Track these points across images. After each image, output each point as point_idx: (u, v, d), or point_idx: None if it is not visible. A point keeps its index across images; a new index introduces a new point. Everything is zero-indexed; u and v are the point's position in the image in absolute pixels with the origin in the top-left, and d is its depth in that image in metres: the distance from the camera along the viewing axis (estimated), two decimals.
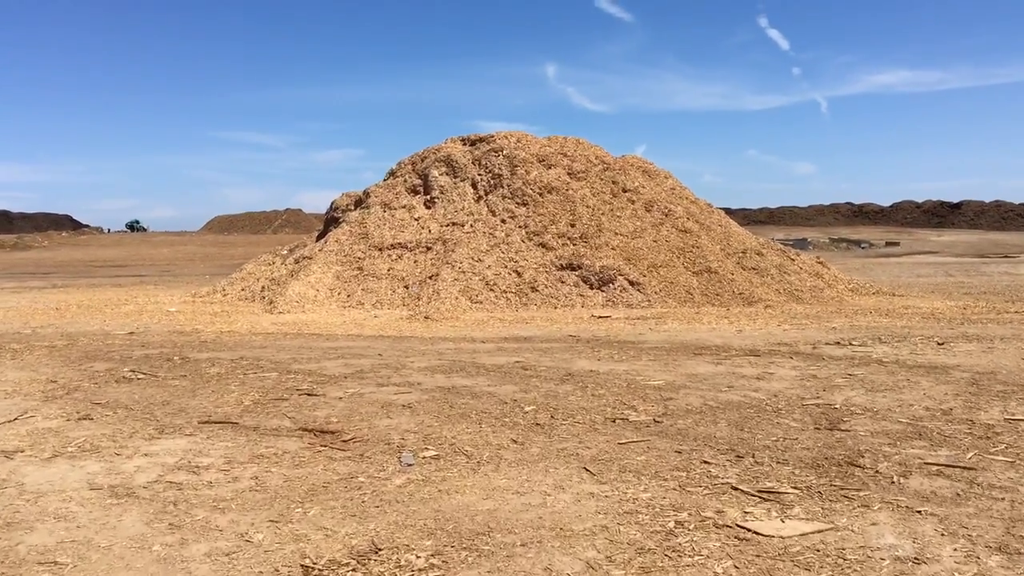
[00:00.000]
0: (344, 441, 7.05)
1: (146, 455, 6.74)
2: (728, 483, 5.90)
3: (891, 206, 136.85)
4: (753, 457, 6.54)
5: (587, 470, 6.22)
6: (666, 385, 9.55)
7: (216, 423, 7.82)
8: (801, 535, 4.93)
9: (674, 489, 5.77)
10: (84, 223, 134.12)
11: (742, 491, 5.73)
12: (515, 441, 7.06)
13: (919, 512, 5.27)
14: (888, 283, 31.47)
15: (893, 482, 5.89)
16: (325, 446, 6.93)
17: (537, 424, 7.68)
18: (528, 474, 6.13)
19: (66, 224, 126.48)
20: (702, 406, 8.40)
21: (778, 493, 5.68)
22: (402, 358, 11.98)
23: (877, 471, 6.16)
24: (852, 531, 4.97)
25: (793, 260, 27.22)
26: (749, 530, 5.00)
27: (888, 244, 65.70)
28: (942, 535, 4.88)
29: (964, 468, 6.22)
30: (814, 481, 5.94)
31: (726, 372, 10.55)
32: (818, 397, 8.85)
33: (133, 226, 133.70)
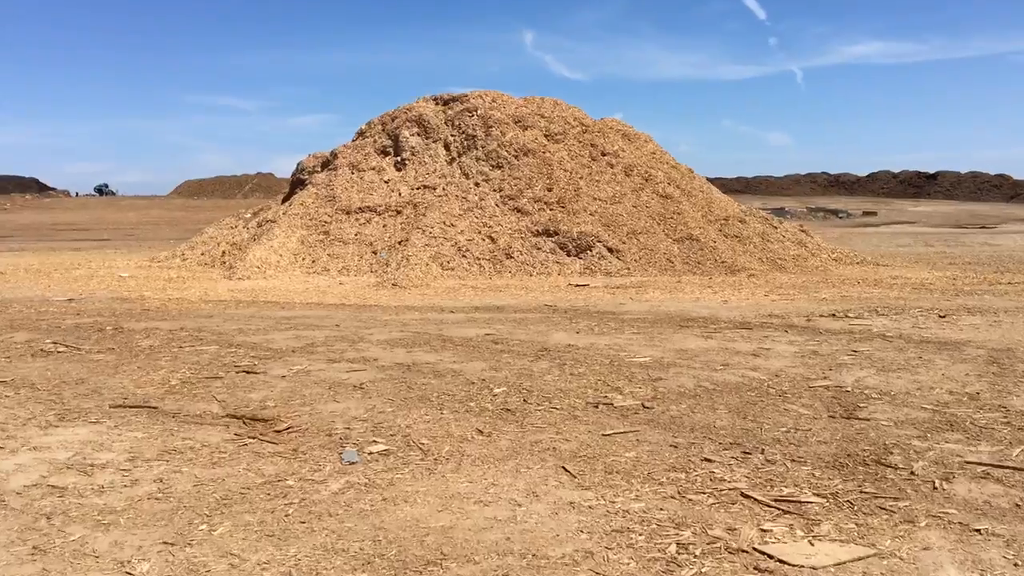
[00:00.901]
0: (277, 431, 5.91)
1: (35, 448, 5.56)
2: (737, 488, 4.82)
3: (867, 176, 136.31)
4: (763, 453, 5.48)
5: (566, 470, 5.12)
6: (653, 363, 8.47)
7: (131, 407, 6.64)
8: (837, 564, 3.86)
9: (672, 497, 4.69)
10: (51, 186, 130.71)
11: (755, 500, 4.65)
12: (481, 432, 5.95)
13: (978, 531, 4.22)
14: (870, 253, 30.59)
15: (935, 488, 4.84)
16: (254, 437, 5.78)
17: (507, 410, 6.57)
18: (495, 476, 5.03)
19: (32, 187, 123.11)
20: (696, 388, 7.32)
21: (799, 503, 4.61)
22: (361, 329, 10.81)
23: (912, 472, 5.11)
24: (901, 559, 3.90)
25: (776, 228, 26.24)
26: (771, 557, 3.92)
27: (866, 214, 65.03)
28: (1016, 566, 3.84)
29: (1015, 469, 5.18)
30: (840, 486, 4.87)
31: (718, 347, 9.48)
32: (825, 377, 7.80)
33: (102, 190, 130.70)
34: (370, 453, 5.45)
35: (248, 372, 7.94)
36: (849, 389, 7.30)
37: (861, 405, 6.76)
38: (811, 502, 4.61)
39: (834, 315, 12.73)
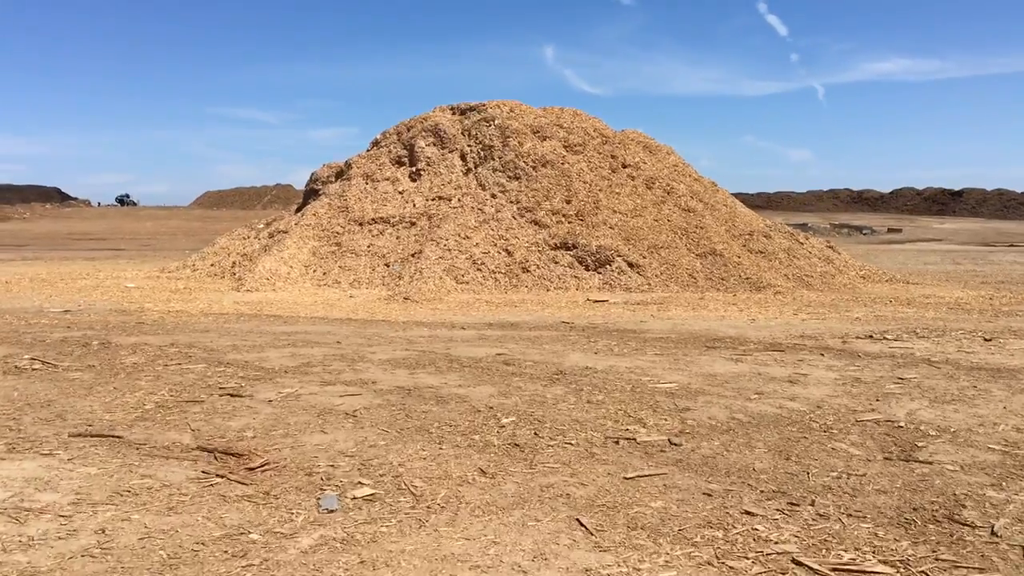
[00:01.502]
0: (250, 469, 5.13)
1: None
2: (787, 552, 4.00)
3: (891, 193, 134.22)
4: (813, 505, 4.65)
5: (581, 524, 4.32)
6: (680, 389, 7.64)
7: (93, 436, 5.89)
8: None
9: (709, 563, 3.87)
10: (73, 196, 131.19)
11: (811, 569, 3.83)
12: (484, 472, 5.15)
13: None
14: (898, 270, 29.57)
15: None
16: (222, 476, 5.01)
17: (515, 445, 5.77)
18: (496, 530, 4.23)
19: (54, 197, 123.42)
20: (729, 421, 6.49)
21: (866, 574, 3.79)
22: (363, 347, 10.05)
23: (994, 533, 4.27)
24: None
25: (802, 244, 25.30)
26: None
27: (890, 231, 63.74)
28: None
29: None
30: (909, 551, 4.04)
31: (750, 372, 8.64)
32: (873, 409, 6.95)
33: (123, 200, 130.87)
34: (353, 498, 4.66)
35: (233, 395, 7.18)
36: (902, 424, 6.45)
37: (919, 444, 5.91)
38: (880, 573, 3.78)
39: (871, 336, 11.85)
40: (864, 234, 58.17)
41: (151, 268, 27.01)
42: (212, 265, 24.35)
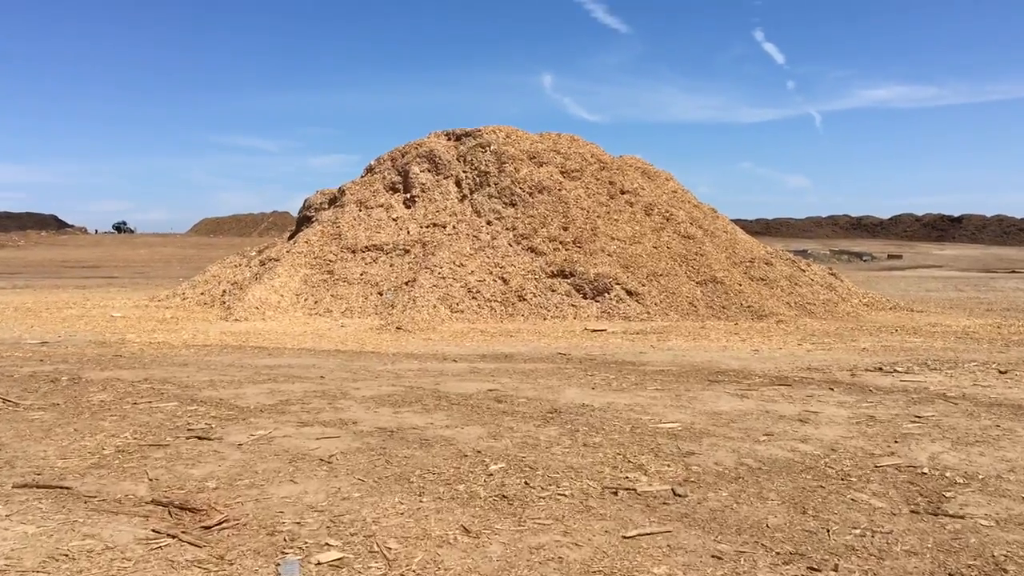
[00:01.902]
0: (207, 527, 4.60)
1: None
2: None
3: (890, 219, 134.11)
4: (836, 571, 4.12)
5: None
6: (683, 430, 7.12)
7: (40, 487, 5.36)
8: None
9: None
10: (70, 223, 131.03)
11: None
12: (467, 531, 4.62)
13: None
14: (900, 297, 29.08)
15: None
16: (175, 536, 4.48)
17: (503, 496, 5.24)
18: None
19: (51, 224, 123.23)
20: (737, 467, 5.96)
21: None
22: (348, 383, 9.52)
23: None
24: None
25: (804, 271, 24.84)
26: None
27: (891, 257, 63.36)
28: None
29: None
30: None
31: (757, 410, 8.12)
32: (892, 452, 6.43)
33: (120, 227, 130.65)
34: (317, 564, 4.12)
35: (201, 438, 6.65)
36: (926, 470, 5.93)
37: (947, 494, 5.39)
38: None
39: (881, 369, 11.33)
40: (864, 260, 57.76)
41: (141, 296, 26.49)
42: (202, 294, 23.83)
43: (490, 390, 9.07)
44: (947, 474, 5.84)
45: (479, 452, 6.26)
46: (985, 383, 10.12)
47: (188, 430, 6.92)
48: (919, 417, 7.82)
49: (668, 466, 5.94)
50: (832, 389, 9.53)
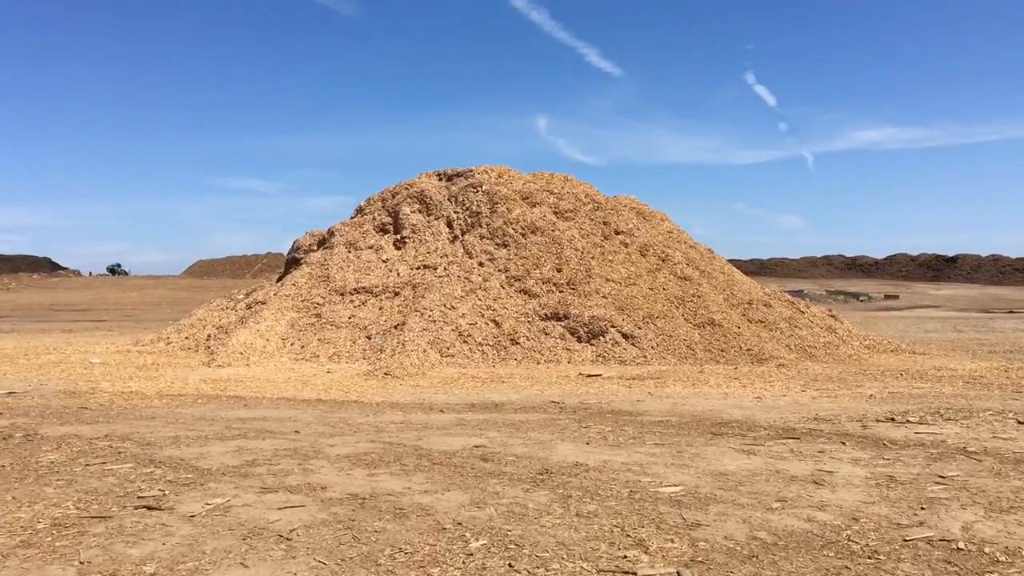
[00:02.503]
0: None
1: None
2: None
3: (885, 259, 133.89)
4: None
5: None
6: (687, 495, 6.42)
7: None
8: None
9: None
10: (63, 266, 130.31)
11: None
12: None
13: None
14: (900, 339, 28.48)
15: None
16: None
17: None
18: None
19: (45, 266, 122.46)
20: (750, 541, 5.27)
21: None
22: (323, 438, 8.82)
23: None
24: None
25: (803, 313, 24.25)
26: None
27: (887, 297, 62.82)
28: None
29: None
30: None
31: (765, 469, 7.43)
32: (921, 522, 5.74)
33: (114, 269, 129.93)
34: None
35: (150, 508, 5.94)
36: (961, 545, 5.24)
37: (988, 574, 4.70)
38: None
39: (893, 419, 10.66)
40: (861, 301, 57.26)
41: (125, 341, 25.80)
42: (186, 338, 23.16)
43: (476, 446, 8.37)
44: (986, 549, 5.15)
45: (459, 524, 5.56)
46: (1005, 435, 9.46)
47: (138, 498, 6.21)
48: (943, 477, 7.14)
49: (672, 541, 5.24)
50: (844, 443, 8.85)
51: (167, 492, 6.38)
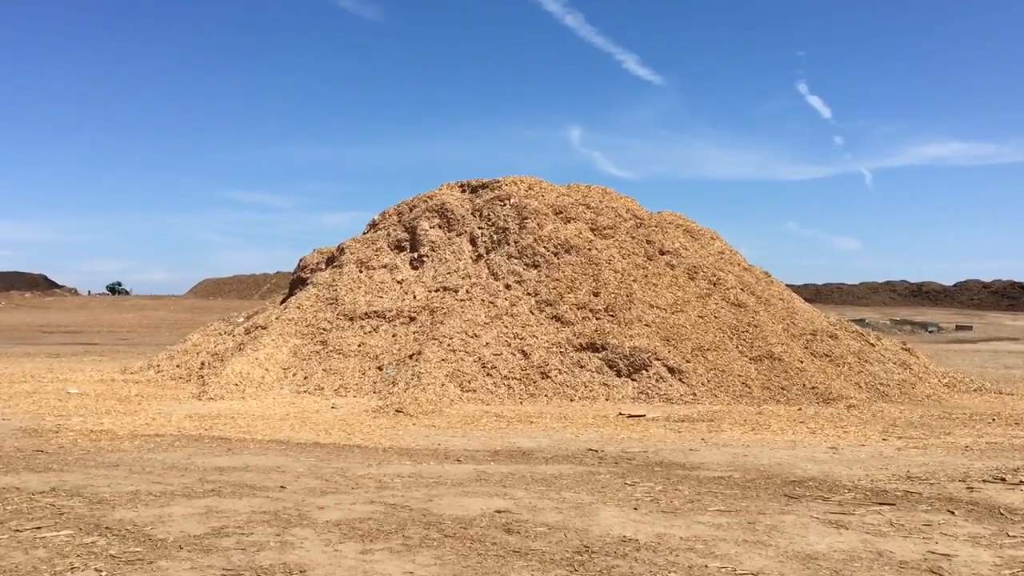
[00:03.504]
0: None
1: None
2: None
3: (955, 285, 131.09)
4: None
5: None
6: None
7: None
8: None
9: None
10: (60, 284, 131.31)
11: None
12: None
13: None
14: (981, 376, 27.10)
15: None
16: None
17: None
18: None
19: (41, 284, 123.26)
20: None
21: None
22: (313, 497, 7.83)
23: None
24: None
25: (874, 346, 23.00)
26: None
27: (959, 328, 61.07)
28: None
29: None
30: None
31: (864, 550, 6.33)
32: None
33: (115, 288, 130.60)
34: None
35: None
36: None
37: None
38: None
39: (1003, 479, 9.50)
40: (930, 332, 55.63)
41: (113, 368, 25.10)
42: (178, 366, 22.40)
43: (499, 511, 7.34)
44: None
45: None
46: None
47: None
48: None
49: None
50: (953, 512, 7.72)
51: (103, 574, 5.41)
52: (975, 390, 22.33)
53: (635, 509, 7.58)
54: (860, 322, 49.11)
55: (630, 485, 8.83)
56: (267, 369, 19.57)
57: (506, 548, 6.17)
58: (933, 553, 6.28)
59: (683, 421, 14.95)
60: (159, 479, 8.53)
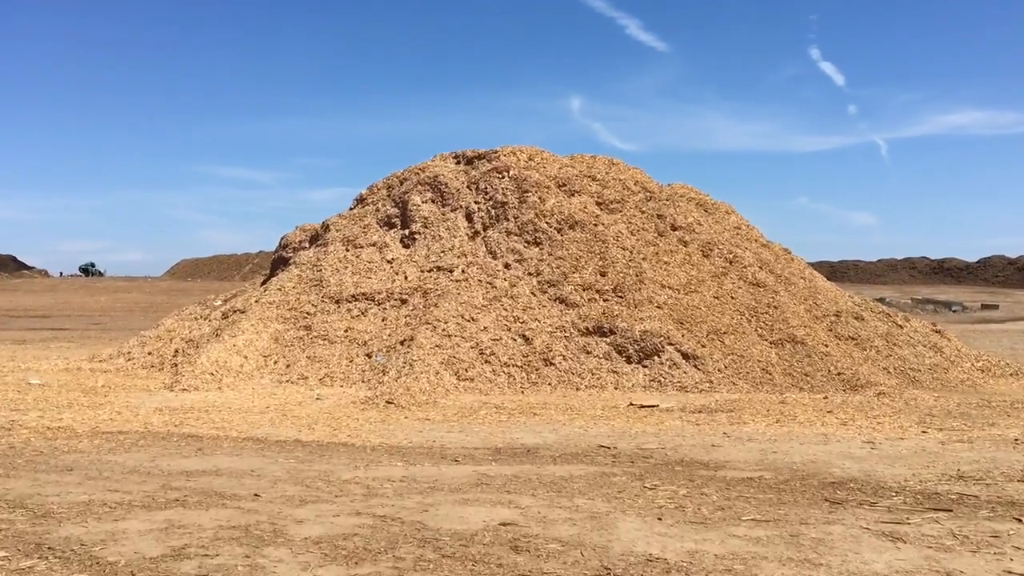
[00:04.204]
0: None
1: None
2: None
3: (978, 262, 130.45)
4: None
5: None
6: None
7: None
8: None
9: None
10: (30, 265, 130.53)
11: None
12: None
13: None
14: (1012, 358, 26.59)
15: None
16: None
17: None
18: None
19: (8, 265, 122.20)
20: None
21: None
22: (291, 507, 7.23)
23: None
24: None
25: (902, 327, 22.52)
26: None
27: (984, 307, 60.64)
28: None
29: None
30: None
31: (929, 569, 5.72)
32: None
33: (88, 269, 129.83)
34: None
35: None
36: None
37: None
38: None
39: None
40: (954, 311, 55.24)
41: (81, 355, 24.53)
42: (150, 353, 21.85)
43: (504, 524, 6.74)
44: None
45: None
46: None
47: None
48: None
49: None
50: (1020, 520, 7.14)
51: None
52: (1011, 374, 21.82)
53: (659, 519, 6.99)
54: (880, 302, 48.68)
55: (650, 489, 8.25)
56: (246, 357, 19.02)
57: (514, 569, 5.58)
58: (1011, 573, 5.70)
59: (700, 412, 14.41)
60: (116, 486, 7.94)
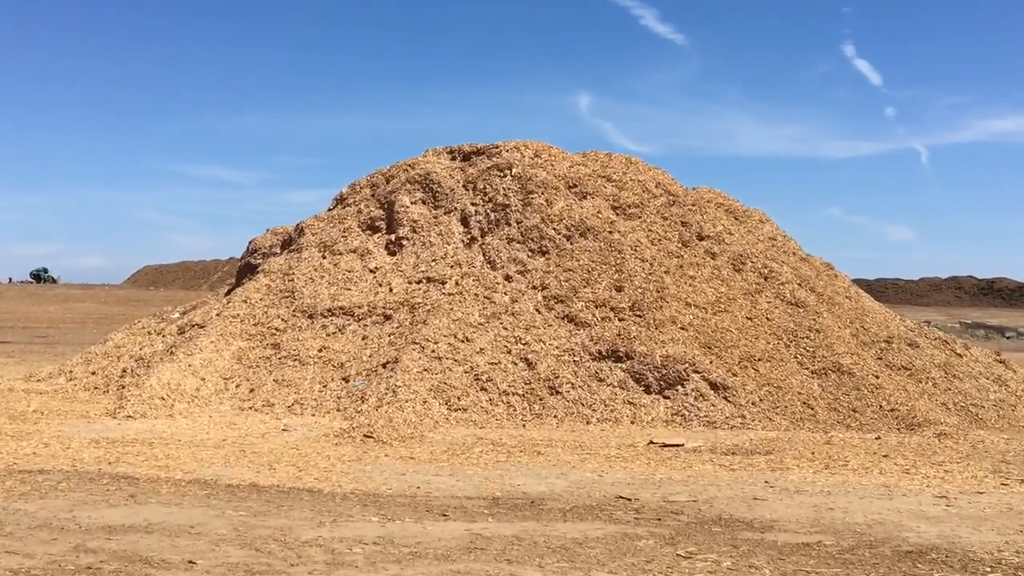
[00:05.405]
0: None
1: None
2: None
3: None
4: None
5: None
6: None
7: None
8: None
9: None
10: None
11: None
12: None
13: None
14: None
15: None
16: None
17: None
18: None
19: None
20: None
21: None
22: None
23: None
24: None
25: (961, 356, 21.84)
26: None
27: None
28: None
29: None
30: None
31: None
32: None
33: (40, 275, 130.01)
34: None
35: None
36: None
37: None
38: None
39: None
40: (1008, 338, 54.74)
41: (18, 373, 23.89)
42: (94, 373, 21.19)
43: None
44: None
45: None
46: None
47: None
48: None
49: None
50: None
51: None
52: None
53: None
54: (925, 325, 48.10)
55: (685, 558, 7.41)
56: (203, 379, 18.42)
57: None
58: None
59: (734, 454, 13.75)
60: (17, 547, 7.06)
